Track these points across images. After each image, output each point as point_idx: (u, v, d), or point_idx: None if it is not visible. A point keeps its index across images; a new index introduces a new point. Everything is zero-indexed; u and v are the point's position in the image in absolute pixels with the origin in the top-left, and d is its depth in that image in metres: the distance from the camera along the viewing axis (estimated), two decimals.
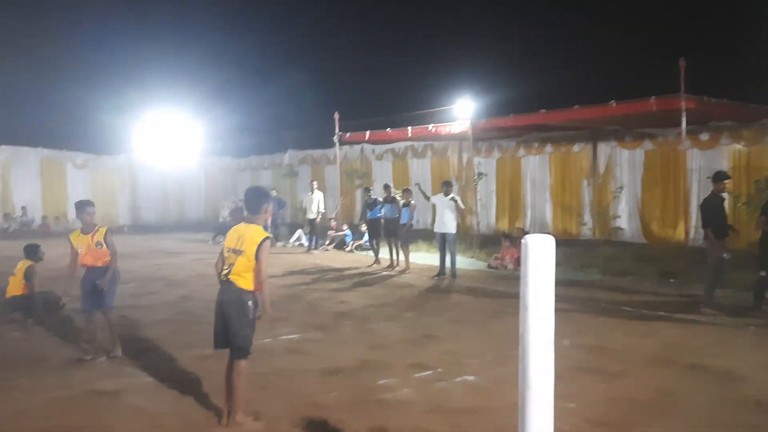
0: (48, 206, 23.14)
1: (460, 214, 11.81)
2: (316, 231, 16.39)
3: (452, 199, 11.38)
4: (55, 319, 7.63)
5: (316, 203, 16.06)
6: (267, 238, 4.36)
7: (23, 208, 21.91)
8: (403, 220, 12.36)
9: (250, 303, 4.34)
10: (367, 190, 14.57)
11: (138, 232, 22.06)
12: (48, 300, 8.09)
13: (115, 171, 25.14)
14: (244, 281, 4.33)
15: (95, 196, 24.12)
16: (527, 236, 2.64)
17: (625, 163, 15.52)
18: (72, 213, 23.49)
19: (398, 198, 13.09)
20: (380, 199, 13.74)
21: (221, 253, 4.50)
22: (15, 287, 7.75)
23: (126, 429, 4.31)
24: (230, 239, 4.44)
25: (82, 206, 6.21)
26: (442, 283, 10.95)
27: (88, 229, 6.11)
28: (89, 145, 24.96)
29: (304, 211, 16.64)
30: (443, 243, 11.47)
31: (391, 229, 12.70)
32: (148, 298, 9.33)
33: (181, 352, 6.22)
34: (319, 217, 16.19)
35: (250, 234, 4.34)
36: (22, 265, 7.87)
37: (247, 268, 4.31)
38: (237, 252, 4.34)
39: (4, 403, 4.73)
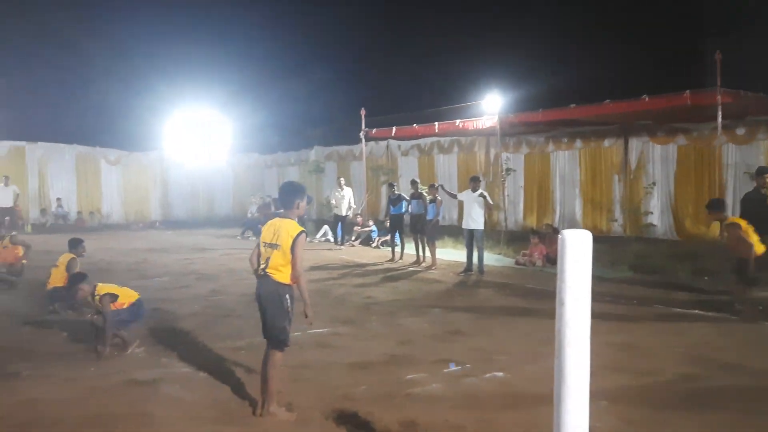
0: (83, 202, 23.65)
1: (488, 210, 11.72)
2: (345, 228, 16.41)
3: (480, 195, 11.33)
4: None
5: (347, 200, 16.02)
6: (302, 232, 4.41)
7: (58, 199, 22.42)
8: (430, 216, 12.35)
9: (287, 296, 4.39)
10: (390, 185, 14.53)
11: (169, 227, 22.41)
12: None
13: (147, 167, 25.59)
14: (281, 275, 4.38)
15: (127, 192, 24.73)
16: (564, 231, 2.62)
17: (658, 159, 15.28)
18: (108, 206, 24.09)
19: (425, 194, 13.09)
20: (404, 195, 13.75)
21: (256, 247, 4.56)
22: (57, 279, 7.94)
23: (163, 417, 4.40)
24: (266, 234, 4.50)
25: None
26: (470, 279, 10.93)
27: None
28: (122, 142, 25.53)
29: (332, 208, 16.61)
30: (471, 239, 11.41)
31: (418, 225, 12.69)
32: (180, 291, 9.48)
33: (214, 344, 6.32)
34: (351, 213, 16.23)
35: (285, 228, 4.40)
36: (65, 257, 8.06)
37: (283, 262, 4.36)
38: (273, 246, 4.39)
39: (47, 392, 4.87)
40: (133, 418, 4.37)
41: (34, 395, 4.80)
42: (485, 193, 11.49)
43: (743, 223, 7.60)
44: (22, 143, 22.70)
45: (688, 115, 12.79)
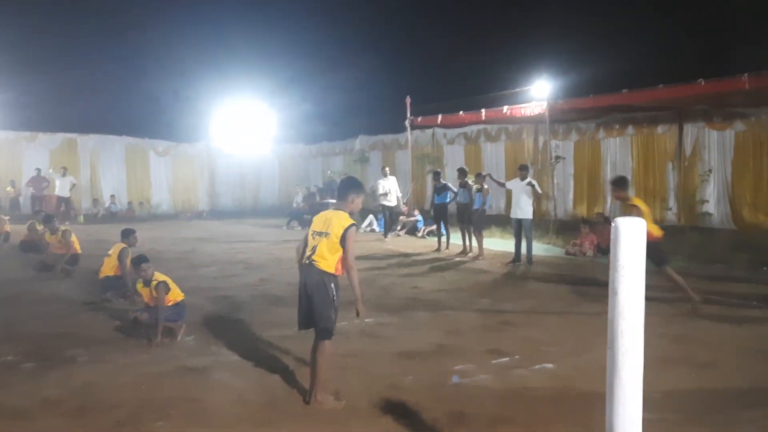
0: (132, 192, 24.30)
1: (537, 199, 11.54)
2: (395, 218, 16.17)
3: (529, 183, 11.14)
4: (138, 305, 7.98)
5: (395, 190, 15.67)
6: (353, 224, 4.41)
7: (112, 196, 23.10)
8: (476, 205, 12.21)
9: (332, 285, 4.40)
10: (436, 174, 14.34)
11: (216, 217, 22.84)
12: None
13: (195, 158, 26.08)
14: (326, 264, 4.38)
15: (176, 182, 25.30)
16: (618, 219, 2.54)
17: (714, 145, 14.74)
18: (157, 197, 24.73)
19: (470, 183, 12.95)
20: (450, 184, 13.62)
21: (305, 236, 4.58)
22: (109, 268, 8.18)
23: (214, 403, 4.48)
24: (316, 223, 4.52)
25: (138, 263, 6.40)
26: (518, 269, 10.78)
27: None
28: (170, 133, 26.05)
29: (379, 198, 16.08)
30: (519, 229, 11.22)
31: (464, 214, 12.57)
32: (229, 280, 9.64)
33: (262, 332, 6.41)
34: (400, 203, 15.87)
35: (337, 219, 4.42)
36: (117, 247, 8.28)
37: (330, 250, 4.37)
38: (322, 234, 4.41)
39: (102, 377, 5.01)
40: (185, 404, 4.46)
41: (90, 380, 4.95)
42: (534, 182, 11.28)
43: (642, 205, 7.45)
44: (75, 135, 23.43)
45: (746, 100, 12.28)
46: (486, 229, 13.03)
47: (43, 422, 4.14)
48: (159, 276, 6.35)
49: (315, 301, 4.40)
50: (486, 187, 12.31)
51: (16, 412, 4.31)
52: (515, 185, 11.38)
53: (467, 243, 12.56)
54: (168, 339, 6.04)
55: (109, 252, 8.34)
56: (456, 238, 13.05)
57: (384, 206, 15.83)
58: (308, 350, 4.54)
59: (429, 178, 21.82)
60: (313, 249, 4.43)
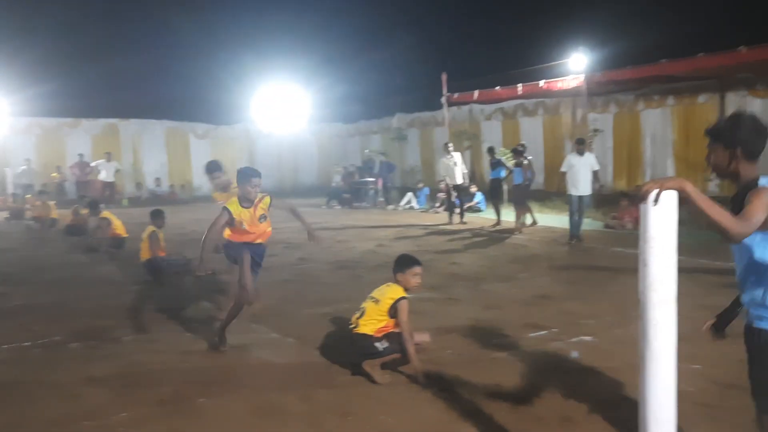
0: (174, 175, 24.80)
1: (596, 175, 10.91)
2: (460, 196, 14.56)
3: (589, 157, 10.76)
4: (183, 281, 8.22)
5: (460, 167, 14.25)
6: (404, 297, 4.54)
7: (157, 179, 23.63)
8: (517, 180, 12.13)
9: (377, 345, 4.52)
10: (490, 150, 14.15)
11: None
12: (174, 263, 8.63)
13: (234, 140, 26.38)
14: (368, 328, 4.55)
15: None
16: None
17: (759, 113, 14.23)
18: (198, 179, 25.17)
19: (503, 160, 12.97)
20: (503, 159, 13.54)
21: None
22: (145, 252, 8.43)
23: (255, 380, 4.62)
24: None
25: (247, 177, 5.29)
26: (558, 243, 10.71)
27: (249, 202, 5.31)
28: (209, 115, 26.41)
29: (442, 177, 15.10)
30: (578, 206, 10.68)
31: (497, 190, 12.53)
32: (269, 260, 9.66)
33: (302, 310, 6.56)
34: (466, 180, 14.68)
35: (389, 290, 4.62)
36: (146, 231, 8.50)
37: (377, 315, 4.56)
38: (372, 299, 4.63)
39: (147, 356, 5.20)
40: (226, 381, 4.62)
41: (134, 359, 5.12)
42: (593, 156, 10.82)
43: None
44: (116, 120, 23.97)
45: None
46: (526, 203, 12.86)
47: (87, 400, 4.27)
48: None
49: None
50: (526, 162, 12.19)
51: (62, 389, 4.47)
52: (574, 161, 10.73)
53: (517, 218, 12.42)
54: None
55: (142, 236, 8.54)
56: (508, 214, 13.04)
57: (448, 185, 14.55)
58: (346, 326, 4.65)
59: (466, 155, 21.72)
60: (360, 315, 4.59)
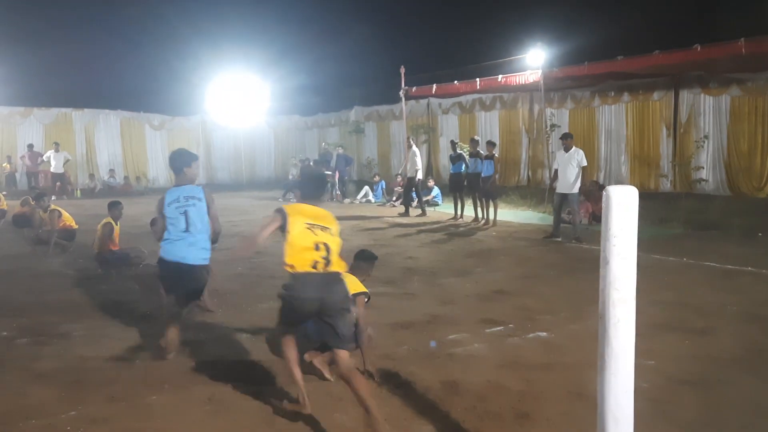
0: (129, 166, 24.21)
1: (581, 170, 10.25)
2: (419, 189, 14.79)
3: (575, 152, 10.23)
4: (134, 274, 7.99)
5: (412, 161, 14.57)
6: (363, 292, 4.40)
7: (111, 170, 22.99)
8: (486, 173, 12.15)
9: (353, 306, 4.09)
10: (453, 143, 14.13)
11: (213, 190, 22.28)
12: (126, 256, 8.36)
13: (190, 131, 25.91)
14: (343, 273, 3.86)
15: None
16: (609, 188, 2.50)
17: (710, 111, 14.69)
18: (154, 171, 24.58)
19: (463, 153, 12.95)
20: (465, 153, 13.54)
21: (271, 220, 3.94)
22: (95, 244, 8.19)
23: (209, 375, 4.48)
24: (307, 213, 3.88)
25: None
26: (512, 238, 10.77)
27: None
28: (165, 106, 25.87)
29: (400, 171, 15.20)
30: (561, 203, 10.44)
31: (475, 183, 12.53)
32: (224, 253, 9.55)
33: (256, 305, 6.42)
34: (417, 174, 14.52)
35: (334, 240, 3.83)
36: (102, 223, 8.26)
37: (338, 253, 3.80)
38: (326, 229, 3.79)
39: (97, 352, 5.01)
40: (179, 377, 4.46)
41: (84, 354, 4.95)
42: (580, 152, 10.30)
43: None
44: (69, 110, 23.28)
45: (743, 65, 12.18)
46: (499, 197, 12.93)
47: (34, 397, 4.13)
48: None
49: (338, 324, 3.63)
50: (497, 155, 12.25)
51: (9, 387, 4.31)
52: (560, 158, 10.39)
53: (480, 212, 12.56)
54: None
55: (97, 228, 8.29)
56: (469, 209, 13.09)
57: (412, 179, 14.60)
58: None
59: (423, 149, 21.75)
60: (327, 249, 3.64)
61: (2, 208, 13.09)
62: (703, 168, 14.50)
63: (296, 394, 3.81)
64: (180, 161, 4.98)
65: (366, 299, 4.49)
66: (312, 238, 3.63)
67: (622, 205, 2.48)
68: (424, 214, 14.30)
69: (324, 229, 3.70)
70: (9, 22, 27.38)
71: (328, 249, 3.62)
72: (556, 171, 10.44)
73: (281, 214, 3.76)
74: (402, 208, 15.03)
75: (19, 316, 6.07)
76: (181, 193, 4.84)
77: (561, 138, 10.63)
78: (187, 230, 4.76)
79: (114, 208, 8.39)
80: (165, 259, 4.79)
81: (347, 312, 3.71)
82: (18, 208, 11.83)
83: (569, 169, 10.16)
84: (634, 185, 2.89)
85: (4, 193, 14.99)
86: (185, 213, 4.78)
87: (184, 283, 4.80)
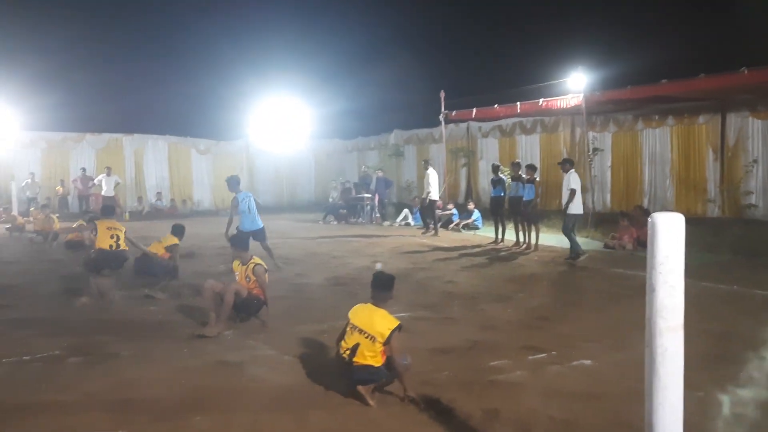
0: (175, 190, 24.82)
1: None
2: (427, 211, 15.65)
3: (568, 176, 10.92)
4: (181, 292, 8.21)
5: (426, 183, 15.28)
6: (399, 325, 4.51)
7: (158, 194, 23.62)
8: (528, 197, 12.07)
9: (384, 371, 4.49)
10: (495, 167, 14.14)
11: None
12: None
13: (234, 155, 26.43)
14: (372, 361, 4.48)
15: (216, 179, 25.70)
16: (655, 214, 2.48)
17: (759, 135, 14.31)
18: (198, 194, 25.19)
19: (503, 178, 12.92)
20: (504, 177, 13.51)
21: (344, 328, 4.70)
22: (155, 247, 8.90)
23: (252, 398, 4.53)
24: (358, 317, 4.61)
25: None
26: (556, 263, 10.63)
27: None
28: (211, 131, 26.62)
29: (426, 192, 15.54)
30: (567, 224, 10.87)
31: (516, 207, 12.48)
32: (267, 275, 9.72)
33: (298, 327, 6.46)
34: (427, 196, 15.28)
35: (381, 318, 4.53)
36: (171, 239, 8.98)
37: (372, 351, 4.47)
38: (363, 333, 4.48)
39: (144, 372, 5.12)
40: (222, 398, 4.52)
41: (132, 374, 5.05)
42: (572, 175, 10.87)
43: None
44: (120, 135, 24.06)
45: None
46: (540, 221, 12.80)
47: (84, 416, 4.22)
48: (258, 259, 6.72)
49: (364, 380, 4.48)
50: (537, 179, 12.22)
51: (59, 405, 4.42)
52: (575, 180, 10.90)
53: (521, 236, 12.51)
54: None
55: (161, 238, 9.10)
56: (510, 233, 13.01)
57: (430, 200, 15.33)
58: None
59: (463, 172, 21.73)
60: (354, 350, 4.46)
61: (55, 229, 13.58)
62: (753, 193, 14.11)
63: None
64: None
65: (398, 330, 4.49)
66: (349, 338, 4.56)
67: (669, 232, 2.45)
68: (435, 234, 14.93)
69: (361, 332, 4.48)
70: (63, 52, 28.62)
71: (353, 350, 4.48)
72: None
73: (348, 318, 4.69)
74: (440, 232, 15.24)
75: (70, 335, 6.23)
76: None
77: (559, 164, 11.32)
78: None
79: (180, 232, 9.18)
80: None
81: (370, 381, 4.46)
82: (72, 232, 12.23)
83: (564, 192, 10.93)
84: (680, 210, 2.86)
85: (57, 215, 15.54)
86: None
87: None
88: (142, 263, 8.75)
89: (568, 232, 10.81)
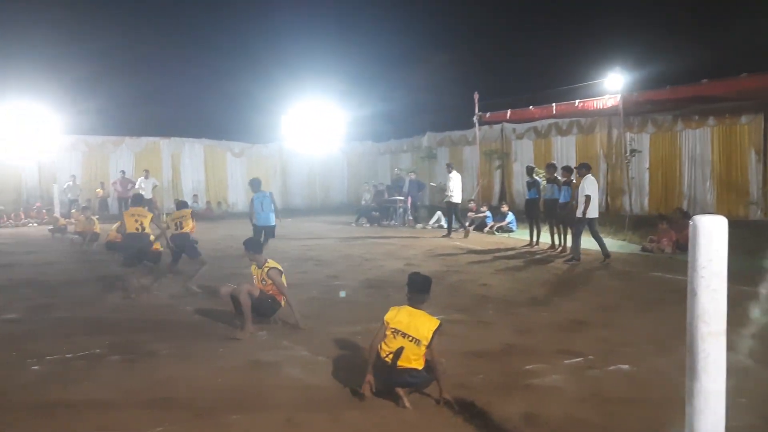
0: (211, 192, 25.19)
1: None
2: (449, 213, 15.87)
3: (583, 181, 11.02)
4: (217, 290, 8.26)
5: (447, 186, 15.58)
6: (440, 324, 4.53)
7: (195, 196, 24.02)
8: (564, 199, 11.90)
9: (425, 375, 4.50)
10: (529, 169, 14.03)
11: (287, 215, 23.23)
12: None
13: (268, 158, 26.76)
14: (416, 364, 4.47)
15: None
16: (696, 217, 2.43)
17: None
18: (233, 196, 25.54)
19: (537, 179, 12.80)
20: (539, 179, 13.39)
21: (382, 330, 4.61)
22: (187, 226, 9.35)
23: (286, 398, 4.57)
24: (398, 320, 4.55)
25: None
26: (592, 266, 10.48)
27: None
28: (245, 134, 26.94)
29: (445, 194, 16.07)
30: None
31: (552, 210, 12.36)
32: (300, 276, 9.81)
33: (332, 328, 6.49)
34: (452, 199, 15.45)
35: (422, 320, 4.51)
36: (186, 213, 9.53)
37: (416, 354, 4.46)
38: (407, 337, 4.46)
39: (183, 370, 5.22)
40: (258, 398, 4.58)
41: (171, 373, 5.15)
42: (586, 179, 11.01)
43: None
44: (157, 138, 24.55)
45: None
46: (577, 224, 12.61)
47: (125, 413, 4.33)
48: (273, 263, 6.70)
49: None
50: (574, 180, 12.03)
51: (101, 402, 4.53)
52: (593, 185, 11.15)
53: (557, 239, 12.43)
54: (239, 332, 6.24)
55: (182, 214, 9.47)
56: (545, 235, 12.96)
57: (449, 203, 15.65)
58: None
59: (497, 174, 21.57)
60: (398, 353, 4.43)
61: (96, 231, 13.90)
62: None
63: None
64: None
65: (439, 329, 4.49)
66: (391, 342, 4.49)
67: (711, 236, 2.40)
68: (448, 235, 15.27)
69: (405, 336, 4.45)
70: (102, 58, 29.35)
71: (397, 353, 4.44)
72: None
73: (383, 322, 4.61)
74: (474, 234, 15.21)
75: (111, 334, 6.39)
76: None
77: (583, 167, 11.31)
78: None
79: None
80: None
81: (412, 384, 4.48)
82: (111, 234, 12.46)
83: (580, 198, 11.00)
84: (721, 213, 2.80)
85: (97, 216, 15.93)
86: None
87: None
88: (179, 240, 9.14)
89: (579, 233, 11.02)
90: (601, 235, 11.34)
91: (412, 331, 4.44)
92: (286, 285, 6.65)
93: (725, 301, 2.44)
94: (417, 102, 30.38)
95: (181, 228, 9.31)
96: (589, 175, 11.01)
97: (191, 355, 5.65)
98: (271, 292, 6.57)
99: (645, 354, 5.52)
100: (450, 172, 15.77)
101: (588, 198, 10.73)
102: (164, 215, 21.74)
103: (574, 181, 12.01)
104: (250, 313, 6.32)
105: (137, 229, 8.67)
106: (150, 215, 8.90)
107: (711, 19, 24.68)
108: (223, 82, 32.93)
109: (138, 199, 9.65)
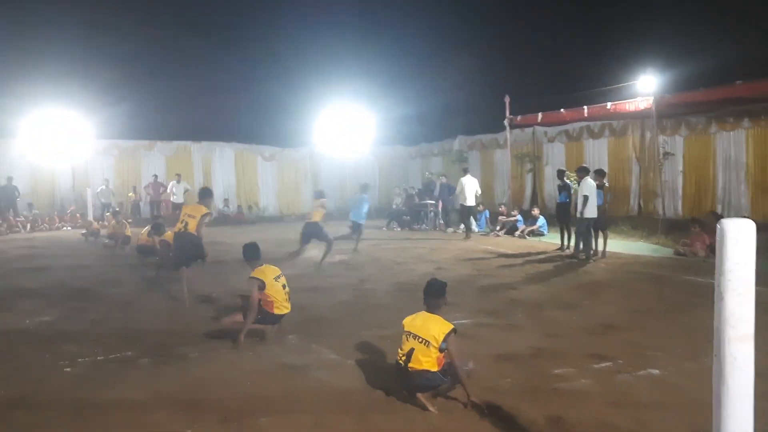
0: (242, 196, 25.48)
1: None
2: (465, 217, 16.47)
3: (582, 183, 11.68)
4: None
5: (461, 190, 16.26)
6: (454, 329, 4.54)
7: (226, 200, 24.36)
8: (597, 203, 11.83)
9: (440, 377, 4.52)
10: (560, 173, 13.94)
11: None
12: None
13: (299, 162, 26.94)
14: (428, 365, 4.52)
15: (281, 186, 26.27)
16: (723, 221, 2.43)
17: None
18: (264, 200, 25.79)
19: (568, 182, 12.75)
20: (570, 182, 13.33)
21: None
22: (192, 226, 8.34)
23: (314, 401, 4.63)
24: (412, 324, 4.66)
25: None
26: (623, 269, 10.37)
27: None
28: (276, 138, 27.14)
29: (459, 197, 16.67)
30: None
31: (563, 213, 12.35)
32: (330, 281, 9.90)
33: (361, 332, 6.54)
34: (465, 201, 16.16)
35: (435, 323, 4.57)
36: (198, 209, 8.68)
37: (426, 355, 4.51)
38: (418, 338, 4.54)
39: (211, 373, 5.31)
40: (287, 401, 4.65)
41: (200, 375, 5.24)
42: (584, 181, 11.61)
43: None
44: (188, 142, 24.92)
45: None
46: (608, 227, 12.56)
47: (155, 415, 4.41)
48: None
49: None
50: (607, 184, 12.12)
51: (132, 403, 4.63)
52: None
53: (565, 241, 12.71)
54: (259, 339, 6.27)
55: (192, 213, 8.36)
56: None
57: (462, 206, 16.20)
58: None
59: (528, 178, 21.43)
60: (409, 355, 4.52)
61: (127, 234, 14.17)
62: None
63: None
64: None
65: (454, 333, 4.51)
66: (404, 345, 4.62)
67: (738, 239, 2.39)
68: (467, 238, 15.59)
69: (416, 337, 4.54)
70: (134, 63, 30.01)
71: (408, 355, 4.53)
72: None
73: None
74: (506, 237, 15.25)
75: (142, 336, 6.53)
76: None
77: (597, 173, 12.05)
78: None
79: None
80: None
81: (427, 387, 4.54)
82: (142, 237, 12.68)
83: (579, 198, 11.65)
84: (756, 216, 2.79)
85: (129, 220, 16.22)
86: None
87: None
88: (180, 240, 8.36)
89: (580, 233, 11.64)
90: (610, 238, 12.15)
91: (422, 333, 4.50)
92: (279, 297, 6.28)
93: (753, 305, 2.43)
94: (448, 105, 30.35)
95: (187, 227, 8.24)
96: (588, 177, 11.54)
97: (220, 358, 5.74)
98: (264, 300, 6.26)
99: (675, 358, 5.46)
100: (464, 175, 16.29)
101: (586, 198, 11.37)
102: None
103: (606, 184, 11.96)
104: (254, 319, 6.12)
105: (180, 229, 8.21)
106: (201, 213, 8.18)
107: (745, 19, 24.16)
108: (253, 86, 33.46)
109: (204, 194, 8.63)
